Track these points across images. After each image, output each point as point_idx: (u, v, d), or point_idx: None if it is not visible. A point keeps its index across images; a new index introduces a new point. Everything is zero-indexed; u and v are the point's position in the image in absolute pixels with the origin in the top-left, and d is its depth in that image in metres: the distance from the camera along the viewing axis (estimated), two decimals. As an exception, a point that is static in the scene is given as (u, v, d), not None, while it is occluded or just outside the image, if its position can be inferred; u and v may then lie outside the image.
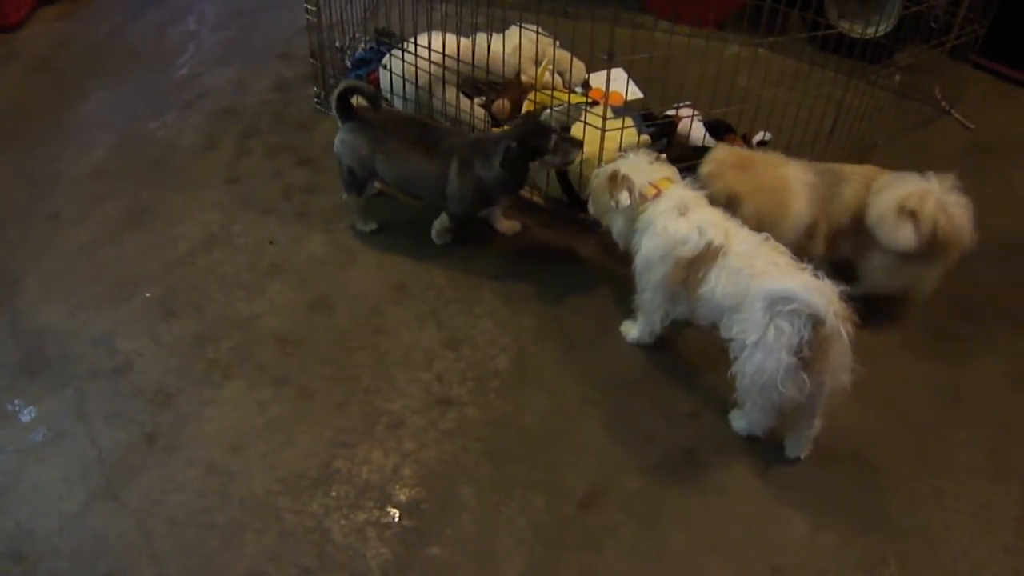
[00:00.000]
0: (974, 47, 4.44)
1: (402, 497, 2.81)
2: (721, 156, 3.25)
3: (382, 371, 3.16)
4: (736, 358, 2.77)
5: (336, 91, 3.35)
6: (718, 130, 3.90)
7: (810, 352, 2.55)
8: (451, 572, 2.65)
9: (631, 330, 3.25)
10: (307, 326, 3.31)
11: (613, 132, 3.45)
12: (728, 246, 2.78)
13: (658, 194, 2.99)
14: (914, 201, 2.98)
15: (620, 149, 3.50)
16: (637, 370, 3.18)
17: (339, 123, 3.42)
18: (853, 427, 3.04)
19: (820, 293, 2.54)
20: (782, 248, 2.81)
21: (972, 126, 4.40)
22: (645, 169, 3.07)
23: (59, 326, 3.30)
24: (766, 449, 2.98)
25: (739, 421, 2.99)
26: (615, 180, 3.05)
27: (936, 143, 4.28)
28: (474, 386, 3.12)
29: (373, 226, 3.68)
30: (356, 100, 3.45)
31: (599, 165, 3.44)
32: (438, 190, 3.41)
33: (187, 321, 3.31)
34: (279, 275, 3.50)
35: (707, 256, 2.79)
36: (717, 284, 2.75)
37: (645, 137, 3.60)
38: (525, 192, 3.77)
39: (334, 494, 2.81)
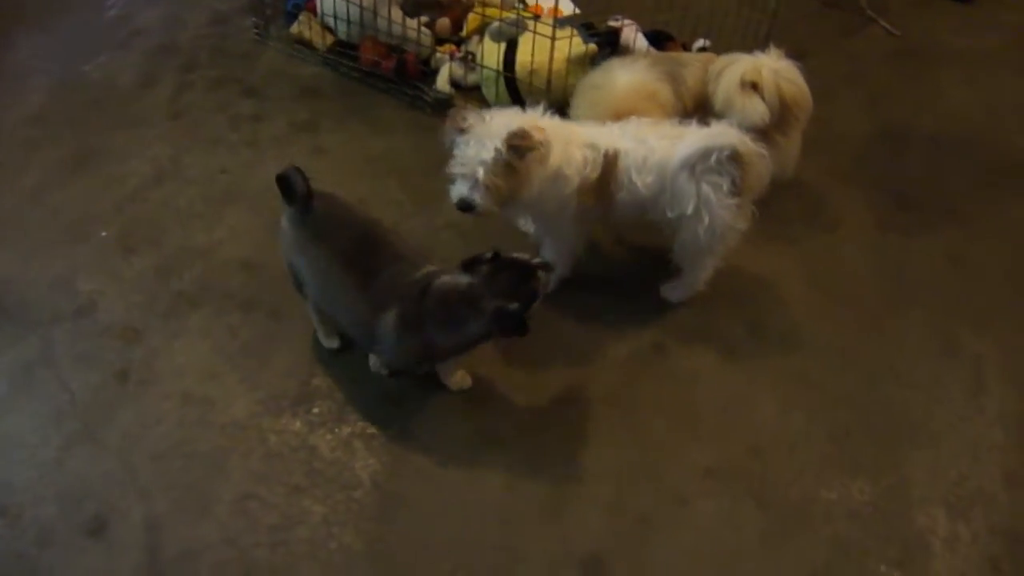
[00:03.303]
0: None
1: (386, 407, 2.76)
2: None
3: (352, 287, 3.08)
4: (674, 234, 2.82)
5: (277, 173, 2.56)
6: (659, 39, 3.86)
7: (741, 184, 2.66)
8: (441, 476, 2.63)
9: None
10: (270, 249, 3.13)
11: (561, 43, 3.39)
12: (619, 146, 2.73)
13: (546, 135, 2.64)
14: (751, 74, 2.95)
15: (569, 59, 3.45)
16: (597, 273, 3.17)
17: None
18: (810, 314, 3.12)
19: (724, 134, 2.64)
20: (653, 120, 2.84)
21: (898, 33, 4.44)
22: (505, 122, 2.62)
23: (14, 275, 3.13)
24: (729, 338, 3.03)
25: (676, 291, 3.06)
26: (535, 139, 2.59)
27: (865, 51, 4.34)
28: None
29: (335, 343, 2.89)
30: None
31: (549, 74, 3.40)
32: (366, 334, 2.57)
33: (147, 256, 3.17)
34: (235, 202, 3.36)
35: (609, 165, 2.72)
36: (636, 182, 2.72)
37: (592, 47, 3.54)
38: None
39: (316, 411, 2.75)
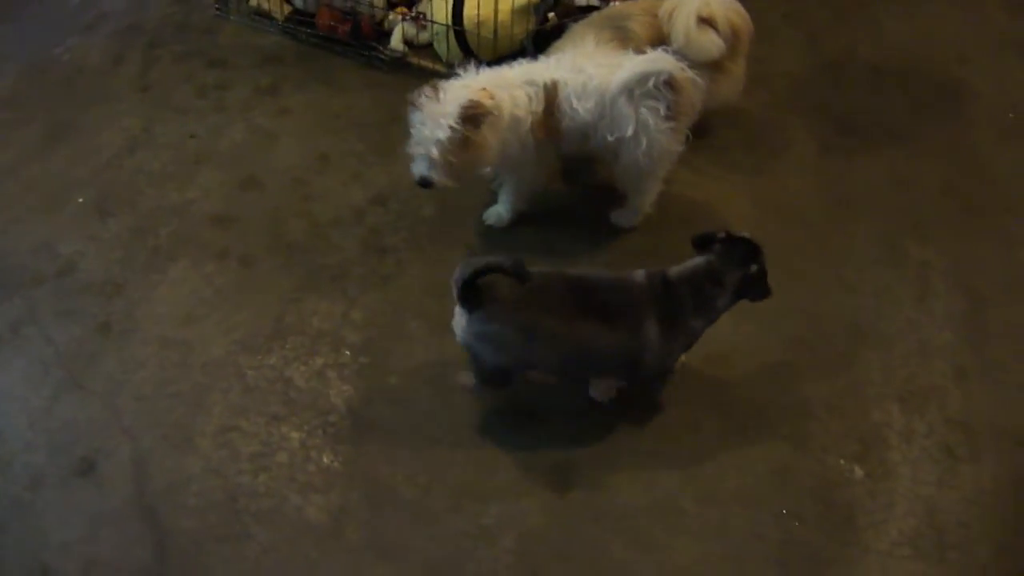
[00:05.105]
0: None
1: (355, 338, 2.77)
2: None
3: (317, 232, 3.08)
4: (615, 159, 2.80)
5: (460, 277, 2.22)
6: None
7: (676, 109, 2.65)
8: (411, 396, 2.65)
9: (500, 213, 3.08)
10: (240, 204, 3.18)
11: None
12: (557, 77, 2.71)
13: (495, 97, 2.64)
14: (705, 10, 2.91)
15: (513, 10, 3.44)
16: (550, 207, 3.15)
17: (464, 313, 2.32)
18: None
19: (660, 59, 2.62)
20: (588, 50, 2.83)
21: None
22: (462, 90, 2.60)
23: (-5, 244, 3.12)
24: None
25: (625, 217, 3.06)
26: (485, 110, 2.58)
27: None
28: (407, 234, 3.07)
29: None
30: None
31: (495, 25, 3.39)
32: (637, 364, 2.40)
33: (123, 217, 3.15)
34: (206, 164, 3.34)
35: (550, 96, 2.70)
36: (578, 109, 2.70)
37: (536, -3, 3.53)
38: (427, 63, 3.68)
39: (289, 346, 2.76)
